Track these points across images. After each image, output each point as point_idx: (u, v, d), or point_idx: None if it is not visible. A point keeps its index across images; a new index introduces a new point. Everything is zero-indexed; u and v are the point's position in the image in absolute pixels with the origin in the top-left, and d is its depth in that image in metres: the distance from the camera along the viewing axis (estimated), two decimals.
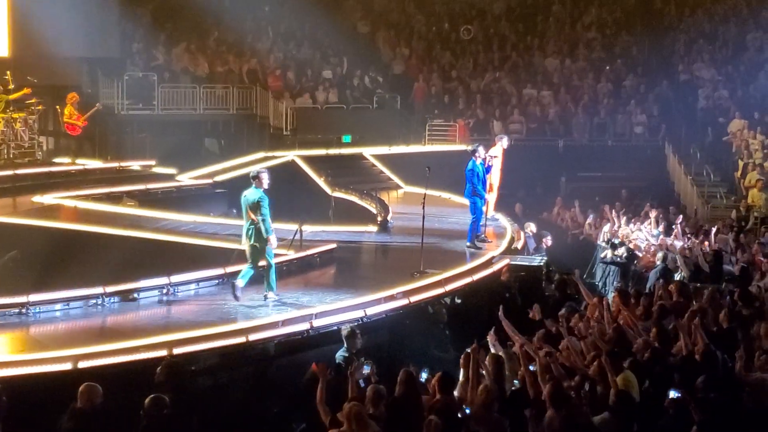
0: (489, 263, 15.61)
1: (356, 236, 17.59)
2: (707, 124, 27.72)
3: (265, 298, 12.81)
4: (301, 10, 29.22)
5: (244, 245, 12.86)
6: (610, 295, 14.29)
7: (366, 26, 32.16)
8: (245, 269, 12.82)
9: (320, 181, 21.98)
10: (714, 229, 18.57)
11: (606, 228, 20.21)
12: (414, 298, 13.29)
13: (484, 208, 17.05)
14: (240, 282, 12.73)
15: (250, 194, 12.69)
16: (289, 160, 23.11)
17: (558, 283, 15.34)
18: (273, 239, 12.74)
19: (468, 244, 16.60)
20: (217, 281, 13.80)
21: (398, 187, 23.86)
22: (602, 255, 18.96)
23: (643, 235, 19.56)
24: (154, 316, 12.48)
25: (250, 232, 12.66)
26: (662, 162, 27.57)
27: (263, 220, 12.54)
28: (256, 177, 12.71)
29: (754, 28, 30.70)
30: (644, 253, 18.46)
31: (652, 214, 20.39)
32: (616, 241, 18.84)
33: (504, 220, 19.13)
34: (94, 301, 12.53)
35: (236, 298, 12.70)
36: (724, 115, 27.57)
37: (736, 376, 9.22)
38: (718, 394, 8.55)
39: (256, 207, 12.56)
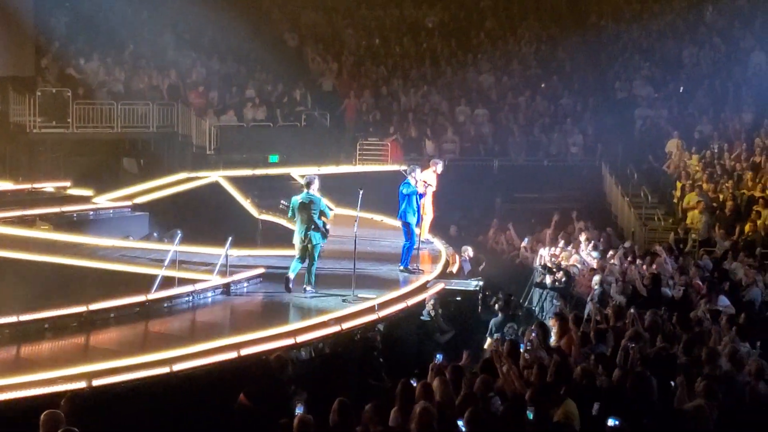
0: (423, 288, 15.83)
1: (285, 261, 17.61)
2: (645, 144, 28.36)
3: (305, 290, 14.80)
4: (225, 23, 29.23)
5: (297, 244, 14.83)
6: (548, 320, 14.61)
7: (294, 40, 32.31)
8: (294, 263, 14.93)
9: (246, 203, 21.98)
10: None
11: (543, 252, 20.58)
12: (346, 325, 13.43)
13: (417, 231, 17.29)
14: (291, 275, 14.85)
15: (305, 197, 14.80)
16: (213, 181, 23.07)
17: (503, 303, 15.70)
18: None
19: (401, 268, 16.81)
20: (137, 309, 13.76)
21: (329, 209, 23.90)
22: (538, 280, 19.30)
23: (582, 257, 19.96)
24: (72, 345, 12.40)
25: (308, 232, 14.69)
26: (599, 183, 28.06)
27: (320, 217, 14.74)
28: (310, 183, 14.92)
29: (691, 44, 31.61)
30: (580, 276, 18.86)
31: (583, 236, 20.81)
32: (554, 267, 19.20)
33: (439, 243, 19.38)
34: (7, 330, 12.41)
35: (289, 290, 14.83)
36: (661, 134, 28.26)
37: (674, 402, 9.52)
38: (655, 422, 8.84)
39: (313, 207, 14.68)
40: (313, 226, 14.76)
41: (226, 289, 15.09)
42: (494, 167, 28.12)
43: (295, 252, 15.02)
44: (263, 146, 26.41)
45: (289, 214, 15.39)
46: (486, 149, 28.73)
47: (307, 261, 14.96)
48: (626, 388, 9.65)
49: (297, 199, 15.02)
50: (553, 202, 26.10)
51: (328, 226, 15.06)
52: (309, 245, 14.81)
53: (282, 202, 15.65)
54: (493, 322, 15.44)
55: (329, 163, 26.08)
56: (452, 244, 19.99)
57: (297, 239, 14.97)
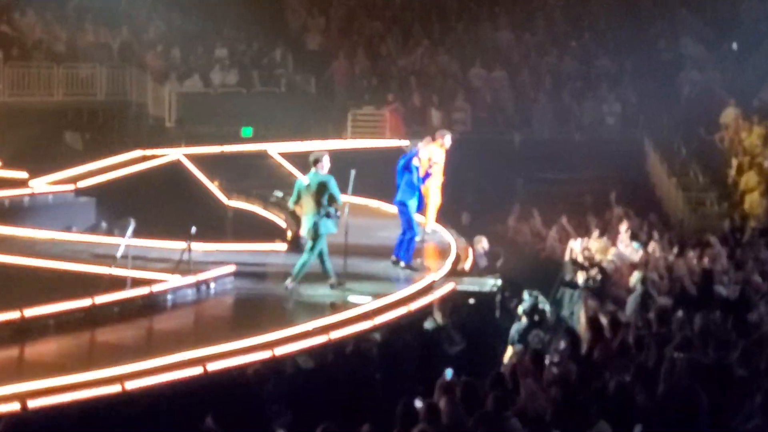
0: (429, 289, 15.80)
1: (261, 257, 17.65)
2: (695, 114, 28.31)
3: (286, 287, 15.02)
4: None
5: (306, 234, 15.01)
6: (579, 326, 14.61)
7: None
8: (326, 265, 15.19)
9: (213, 187, 21.96)
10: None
11: (573, 244, 20.56)
12: (335, 334, 13.40)
13: (420, 218, 17.25)
14: (333, 279, 15.22)
15: (313, 179, 14.83)
16: (174, 161, 23.07)
17: (527, 306, 15.70)
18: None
19: (402, 264, 16.78)
20: (82, 315, 13.72)
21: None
22: (569, 278, 19.30)
23: (621, 251, 19.95)
24: (4, 359, 12.36)
25: (317, 221, 14.75)
26: (640, 160, 28.09)
27: (333, 203, 14.86)
28: (318, 161, 14.95)
29: None
30: (618, 273, 18.87)
31: (623, 225, 20.82)
32: (586, 263, 19.19)
33: (447, 234, 19.36)
34: None
35: (333, 287, 15.21)
36: (715, 102, 28.21)
37: (727, 423, 9.51)
38: None
39: (322, 191, 14.69)
40: (323, 213, 14.80)
41: (189, 290, 15.05)
42: (515, 142, 28.10)
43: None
44: (235, 117, 26.39)
45: (292, 200, 15.24)
46: (505, 120, 28.71)
47: (304, 253, 15.07)
48: (672, 406, 9.64)
49: (302, 181, 15.02)
50: (586, 183, 26.13)
51: (338, 213, 15.09)
52: (314, 235, 14.87)
53: (275, 194, 15.53)
54: (514, 328, 15.44)
55: (314, 137, 25.99)
56: (464, 234, 19.97)
57: (306, 231, 15.03)
